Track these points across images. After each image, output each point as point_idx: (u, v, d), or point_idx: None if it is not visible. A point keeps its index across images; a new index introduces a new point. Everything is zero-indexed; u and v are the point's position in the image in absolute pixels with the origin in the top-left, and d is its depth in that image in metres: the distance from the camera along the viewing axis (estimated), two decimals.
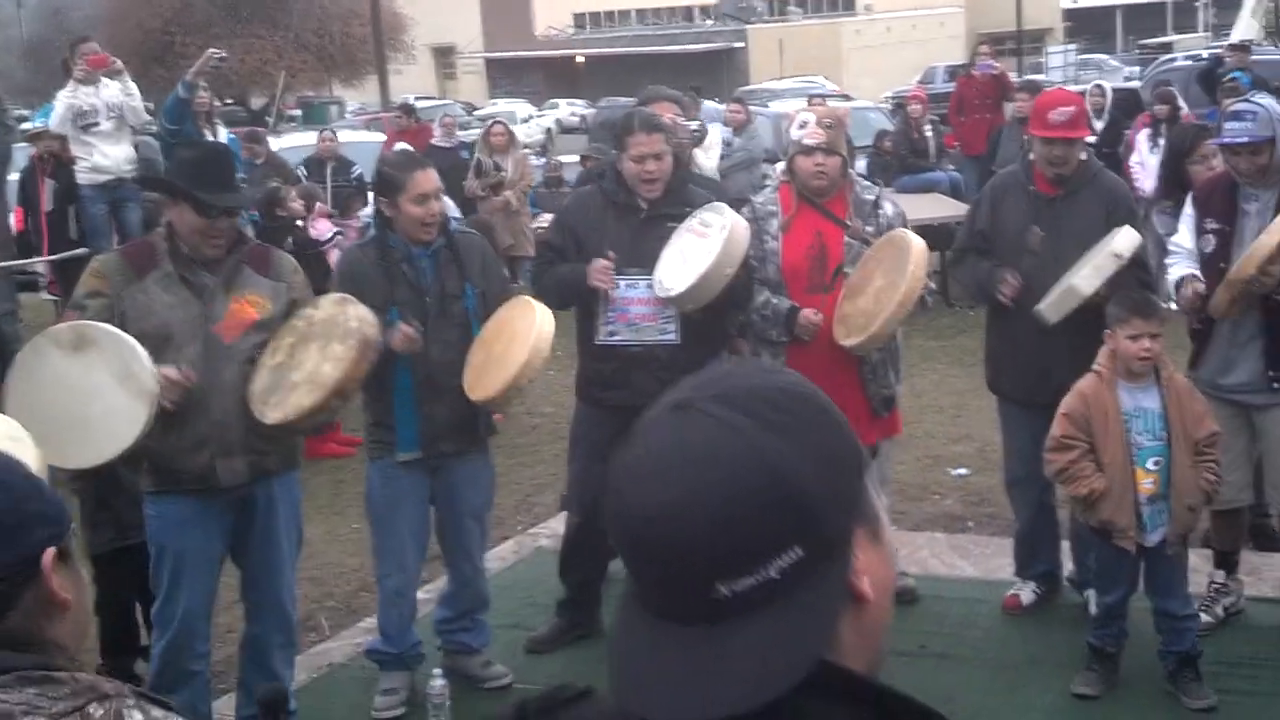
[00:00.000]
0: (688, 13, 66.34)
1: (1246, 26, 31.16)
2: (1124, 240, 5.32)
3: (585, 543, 5.74)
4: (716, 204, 5.42)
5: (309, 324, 4.70)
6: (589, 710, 1.33)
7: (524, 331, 5.04)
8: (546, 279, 5.65)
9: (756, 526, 1.17)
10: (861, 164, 13.97)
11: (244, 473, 4.67)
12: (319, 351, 4.60)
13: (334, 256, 8.74)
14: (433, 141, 14.55)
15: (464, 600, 5.52)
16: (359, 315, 4.68)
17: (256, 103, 35.80)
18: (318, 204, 9.56)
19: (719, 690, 1.16)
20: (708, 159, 12.04)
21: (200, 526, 4.70)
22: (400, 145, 12.51)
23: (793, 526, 1.18)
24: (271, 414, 4.55)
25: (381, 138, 17.70)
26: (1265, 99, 5.61)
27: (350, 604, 6.62)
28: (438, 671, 5.12)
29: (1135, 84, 21.47)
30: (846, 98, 29.96)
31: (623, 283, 5.40)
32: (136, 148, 11.31)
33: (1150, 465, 4.93)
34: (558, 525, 6.74)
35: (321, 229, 9.50)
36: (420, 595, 5.82)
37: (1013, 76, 18.55)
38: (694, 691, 1.17)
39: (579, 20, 67.21)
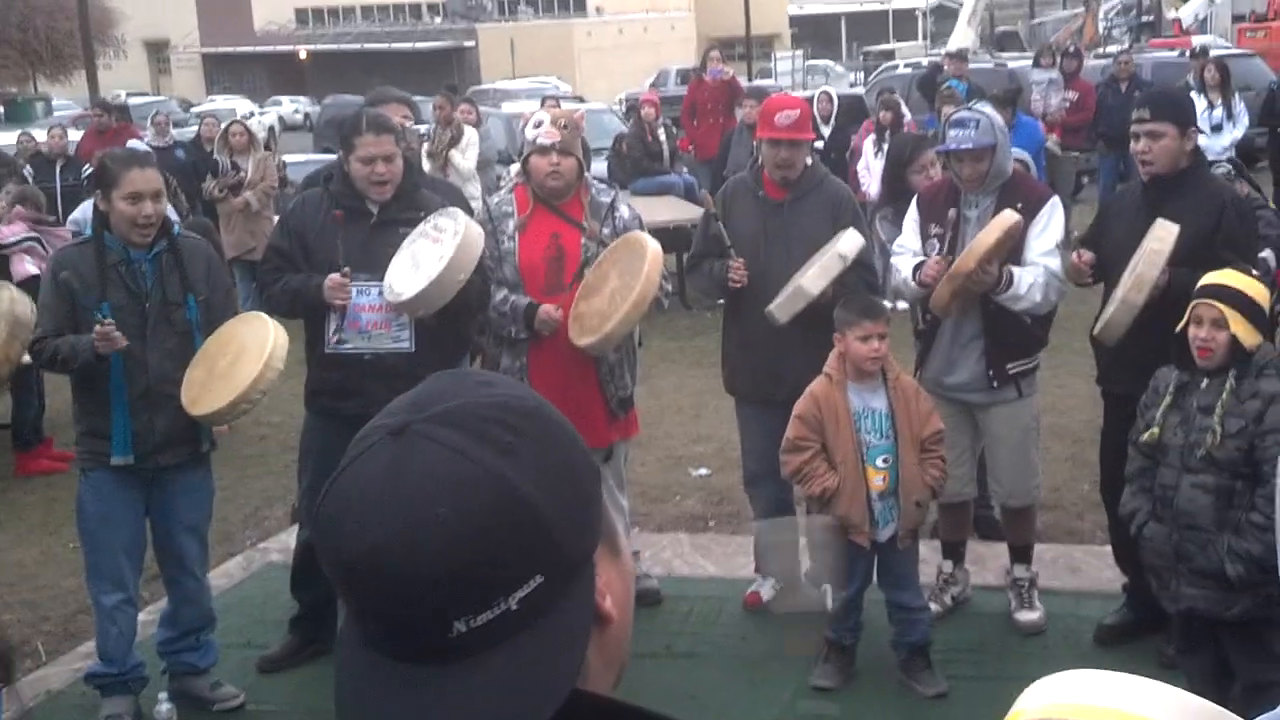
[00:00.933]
0: (415, 10, 65.76)
1: (962, 35, 32.82)
2: (848, 242, 5.44)
3: (313, 537, 5.56)
4: (451, 209, 5.31)
5: None
6: None
7: (255, 347, 4.88)
8: (276, 289, 5.42)
9: (494, 559, 1.08)
10: (600, 166, 14.04)
11: None
12: None
13: (26, 261, 8.22)
14: (146, 141, 13.99)
15: (187, 618, 5.29)
16: (10, 296, 4.54)
17: None
18: (17, 206, 8.95)
19: None
20: (464, 160, 11.91)
21: None
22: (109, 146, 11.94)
23: (533, 555, 1.10)
24: None
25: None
26: (985, 107, 5.82)
27: (68, 627, 6.25)
28: (164, 695, 4.95)
29: (860, 90, 22.25)
30: (580, 99, 30.14)
31: (354, 289, 5.25)
32: None
33: (879, 463, 5.06)
34: (289, 539, 6.55)
35: (5, 232, 8.88)
36: (143, 616, 5.58)
37: (742, 81, 18.95)
38: None
39: (301, 16, 65.80)
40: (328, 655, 5.58)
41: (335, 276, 5.21)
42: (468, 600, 1.08)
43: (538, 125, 5.60)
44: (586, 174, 5.75)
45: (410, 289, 5.11)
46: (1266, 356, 4.37)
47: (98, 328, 4.76)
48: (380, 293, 5.24)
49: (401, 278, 5.16)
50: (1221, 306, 4.31)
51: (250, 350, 4.88)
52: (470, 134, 12.14)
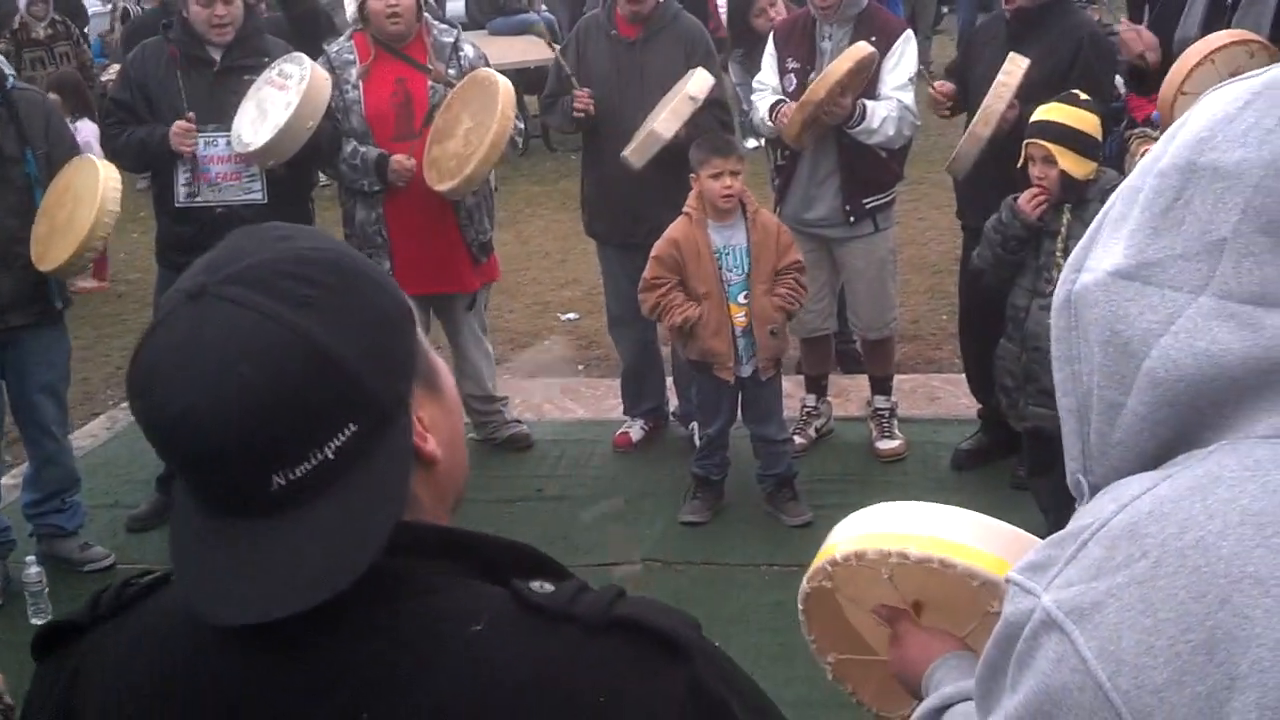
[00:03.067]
0: None
1: None
2: (697, 82, 5.40)
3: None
4: (296, 54, 5.17)
5: None
6: (169, 598, 1.22)
7: (88, 194, 4.74)
8: (121, 142, 5.28)
9: (305, 412, 1.08)
10: (456, 5, 13.71)
11: None
12: None
13: None
14: None
15: (50, 480, 5.22)
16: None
17: None
18: None
19: (291, 583, 1.09)
20: None
21: None
22: None
23: (344, 404, 1.10)
24: None
25: None
26: None
27: None
28: (31, 558, 4.92)
29: None
30: None
31: (201, 140, 5.11)
32: None
33: (741, 300, 5.10)
34: None
35: None
36: (7, 480, 5.51)
37: None
38: (264, 588, 1.09)
39: None
40: None
41: (180, 123, 5.08)
42: (282, 455, 1.08)
43: None
44: (426, 14, 5.62)
45: (259, 139, 4.99)
46: (1111, 181, 4.42)
47: None
48: (228, 143, 5.12)
49: (249, 127, 5.04)
50: (1048, 144, 4.41)
51: (84, 197, 4.76)
52: None
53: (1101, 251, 1.08)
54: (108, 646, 1.22)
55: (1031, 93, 4.90)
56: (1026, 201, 4.49)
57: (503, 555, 1.20)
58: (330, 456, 1.09)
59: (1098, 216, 1.12)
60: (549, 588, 1.15)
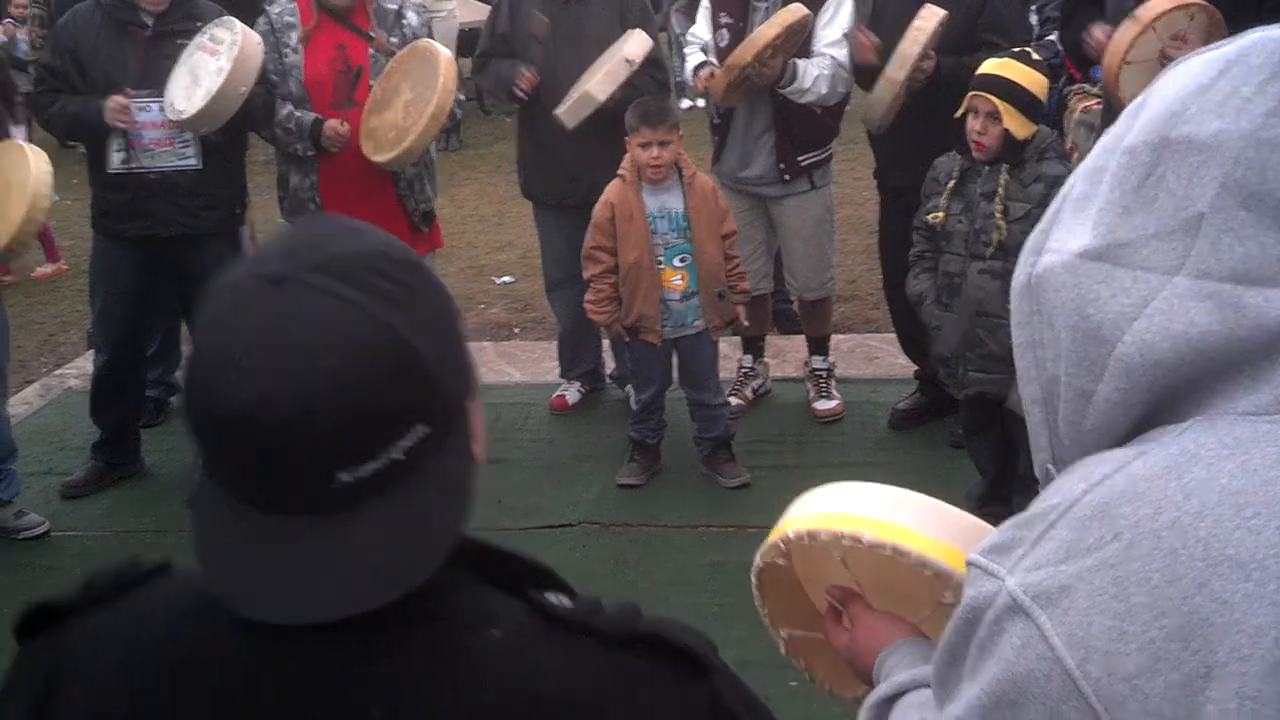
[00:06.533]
0: None
1: None
2: (634, 45, 5.39)
3: (117, 380, 5.49)
4: (226, 19, 5.11)
5: None
6: (171, 585, 1.20)
7: (18, 182, 4.72)
8: (54, 111, 5.20)
9: (382, 409, 1.06)
10: None
11: None
12: None
13: None
14: None
15: None
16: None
17: None
18: None
19: (356, 582, 1.07)
20: None
21: None
22: None
23: (418, 405, 1.08)
24: None
25: None
26: None
27: None
28: None
29: None
30: None
31: (133, 106, 5.04)
32: None
33: (677, 263, 5.10)
34: (86, 364, 6.40)
35: None
36: None
37: None
38: (324, 587, 1.06)
39: None
40: (131, 479, 5.57)
41: (118, 98, 5.03)
42: (353, 451, 1.06)
43: None
44: None
45: (192, 106, 4.94)
46: (1046, 140, 4.43)
47: None
48: (161, 109, 5.07)
49: (182, 94, 4.98)
50: (995, 100, 4.34)
51: (14, 184, 4.72)
52: None
53: (1064, 233, 1.04)
54: (101, 632, 1.18)
55: (941, 44, 4.92)
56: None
57: (515, 567, 1.19)
58: (400, 457, 1.07)
59: (1055, 199, 1.09)
60: (567, 601, 1.14)
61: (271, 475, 1.06)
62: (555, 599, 1.14)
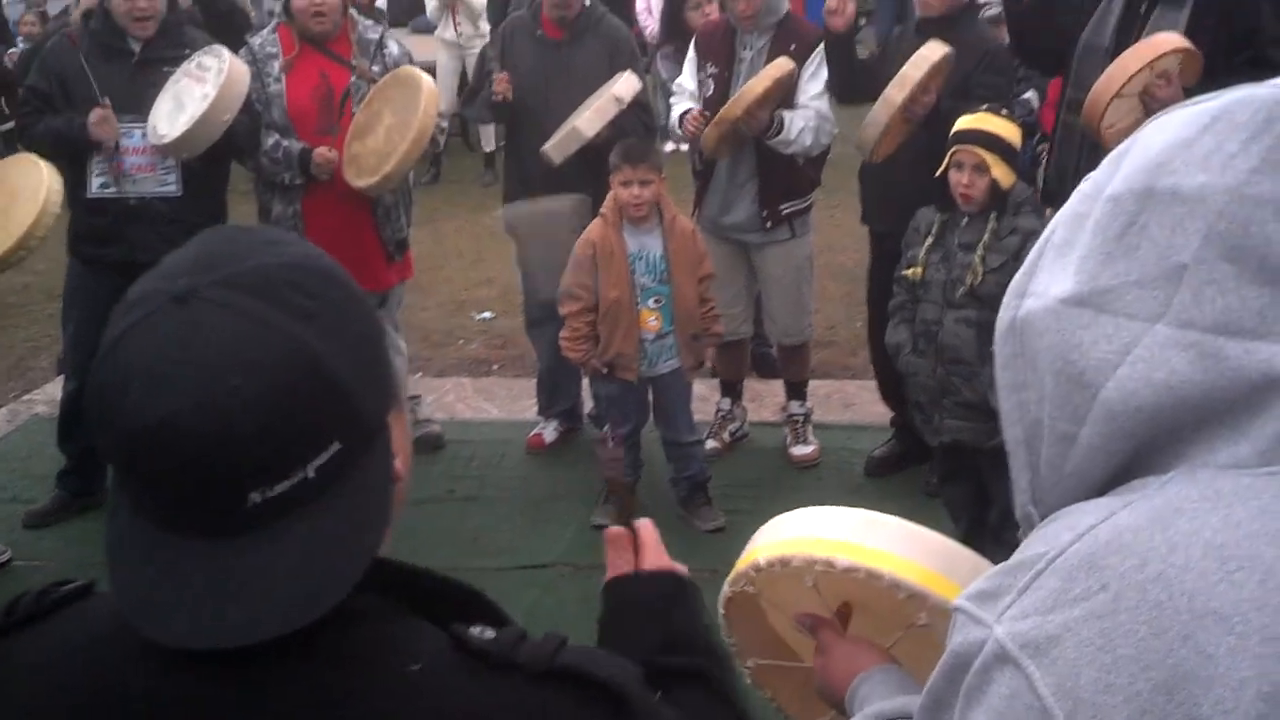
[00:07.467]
0: None
1: None
2: (624, 85, 5.42)
3: (85, 408, 5.40)
4: (215, 47, 5.13)
5: None
6: (91, 609, 1.17)
7: (29, 191, 4.73)
8: (38, 130, 5.19)
9: (295, 428, 1.04)
10: None
11: None
12: None
13: None
14: None
15: None
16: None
17: None
18: None
19: (265, 608, 1.04)
20: None
21: None
22: None
23: (333, 422, 1.06)
24: None
25: None
26: None
27: None
28: None
29: None
30: None
31: (115, 119, 5.03)
32: None
33: (652, 304, 5.11)
34: (55, 390, 6.34)
35: None
36: None
37: None
38: (232, 612, 1.04)
39: None
40: (97, 509, 5.49)
41: (98, 111, 5.01)
42: (265, 470, 1.03)
43: None
44: (351, 10, 5.57)
45: (174, 130, 4.93)
46: (1022, 194, 4.51)
47: None
48: (144, 134, 5.06)
49: (165, 119, 4.98)
50: (981, 152, 4.41)
51: (24, 194, 4.71)
52: None
53: (1047, 277, 1.05)
54: (20, 656, 1.15)
55: (944, 103, 4.94)
56: None
57: (442, 594, 1.17)
58: (311, 475, 1.05)
59: (1037, 243, 1.10)
60: (490, 634, 1.12)
61: (181, 496, 1.04)
62: (479, 632, 1.11)
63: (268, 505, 1.04)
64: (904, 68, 4.97)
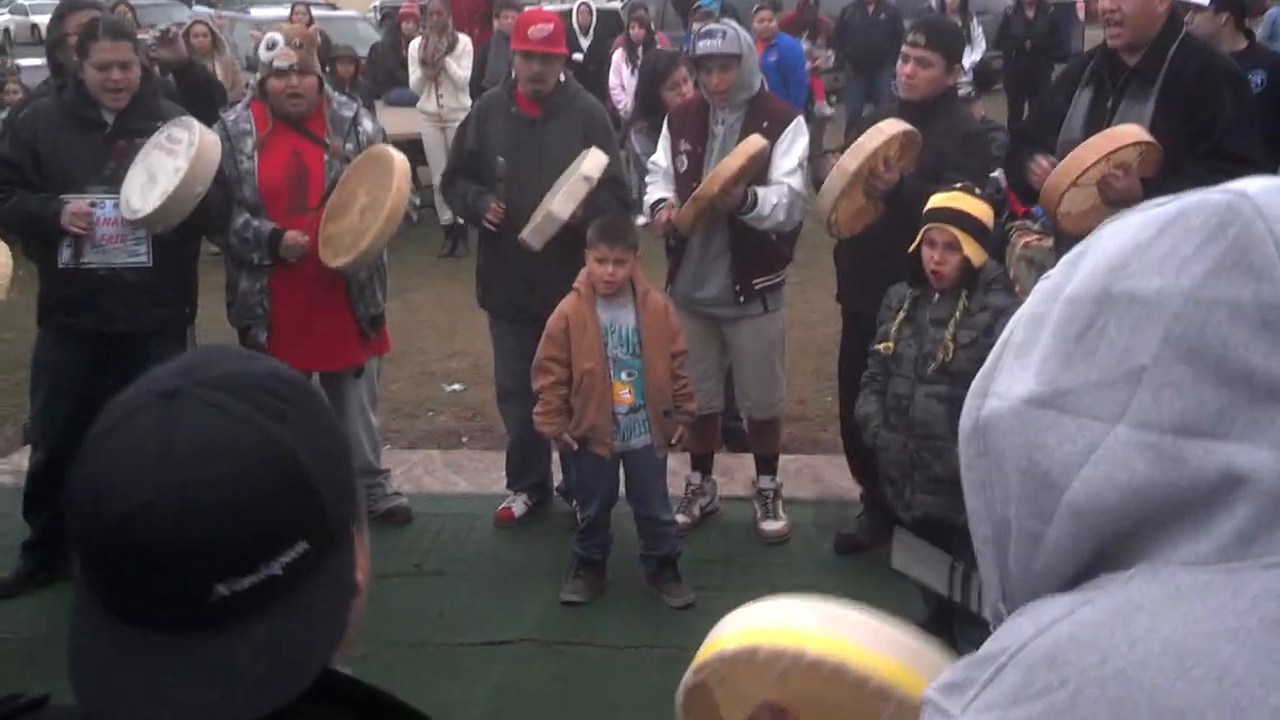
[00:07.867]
0: None
1: None
2: (591, 162, 5.44)
3: (52, 479, 5.36)
4: (185, 119, 5.13)
5: None
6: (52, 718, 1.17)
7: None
8: (9, 206, 5.16)
9: (267, 522, 1.07)
10: None
11: None
12: None
13: None
14: None
15: None
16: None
17: None
18: None
19: (222, 701, 1.05)
20: (460, 69, 11.47)
21: None
22: None
23: (303, 520, 1.10)
24: None
25: None
26: (734, 24, 5.88)
27: None
28: None
29: (617, 4, 22.14)
30: (333, 6, 29.24)
31: (85, 202, 5.02)
32: None
33: (624, 377, 5.11)
34: (21, 460, 6.27)
35: None
36: None
37: None
38: (191, 706, 1.05)
39: None
40: (62, 581, 5.42)
41: (79, 205, 5.02)
42: (234, 563, 1.06)
43: (272, 47, 5.42)
44: (327, 88, 5.60)
45: (147, 205, 4.94)
46: (993, 272, 4.58)
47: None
48: (116, 206, 5.04)
49: (138, 193, 4.98)
50: (954, 230, 4.48)
51: None
52: (465, 41, 11.78)
53: (1008, 378, 1.06)
54: None
55: (912, 181, 5.00)
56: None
57: (377, 707, 1.19)
58: (278, 573, 1.08)
59: (997, 343, 1.11)
60: None
61: (149, 585, 1.06)
62: None
63: (233, 599, 1.06)
64: (860, 138, 5.05)
